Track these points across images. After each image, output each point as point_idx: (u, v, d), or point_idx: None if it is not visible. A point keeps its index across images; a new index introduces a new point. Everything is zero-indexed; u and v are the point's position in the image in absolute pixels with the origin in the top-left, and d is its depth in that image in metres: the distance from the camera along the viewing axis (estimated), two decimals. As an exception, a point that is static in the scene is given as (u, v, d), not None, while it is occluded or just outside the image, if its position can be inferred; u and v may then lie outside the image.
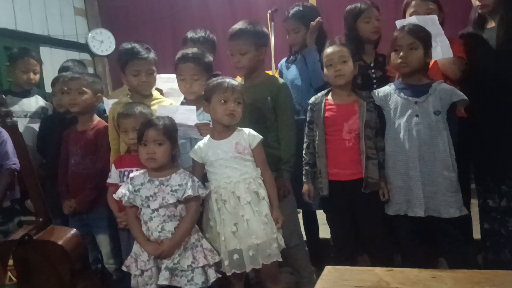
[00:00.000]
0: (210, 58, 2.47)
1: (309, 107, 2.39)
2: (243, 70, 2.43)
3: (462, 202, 2.17)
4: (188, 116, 2.21)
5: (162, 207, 2.01)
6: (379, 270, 1.83)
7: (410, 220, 2.20)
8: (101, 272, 2.60)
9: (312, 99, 2.40)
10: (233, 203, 2.05)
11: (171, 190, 2.01)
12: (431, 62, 2.35)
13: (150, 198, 2.02)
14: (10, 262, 2.02)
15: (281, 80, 2.54)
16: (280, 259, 2.10)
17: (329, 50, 2.28)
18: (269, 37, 2.57)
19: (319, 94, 2.40)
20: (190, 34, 2.95)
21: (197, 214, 2.09)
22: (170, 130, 2.07)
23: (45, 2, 5.24)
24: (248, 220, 2.04)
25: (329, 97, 2.36)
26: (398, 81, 2.32)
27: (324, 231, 2.77)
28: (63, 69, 3.28)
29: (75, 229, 2.25)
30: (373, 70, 2.63)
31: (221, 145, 2.11)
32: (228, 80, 2.12)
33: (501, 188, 2.38)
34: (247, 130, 2.14)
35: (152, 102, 2.46)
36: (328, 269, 1.87)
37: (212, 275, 2.03)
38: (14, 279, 2.02)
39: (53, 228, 2.22)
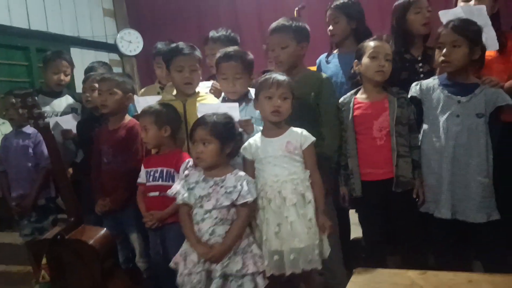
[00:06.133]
0: (251, 56, 2.43)
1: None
2: (283, 64, 2.37)
3: (495, 207, 2.09)
4: (230, 113, 2.15)
5: (216, 209, 1.96)
6: (412, 273, 1.76)
7: (444, 220, 2.14)
8: (132, 271, 2.62)
9: (341, 99, 2.35)
10: (278, 203, 1.99)
11: (226, 192, 1.96)
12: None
13: (204, 198, 1.98)
14: (44, 260, 2.05)
15: (324, 75, 2.45)
16: (320, 267, 2.02)
17: (375, 43, 2.23)
18: (309, 33, 2.47)
19: (348, 94, 2.35)
20: (211, 33, 2.94)
21: (249, 219, 2.02)
22: (220, 129, 1.99)
23: (75, 4, 5.33)
24: (292, 222, 1.96)
25: (358, 95, 2.31)
26: (444, 75, 2.23)
27: (355, 231, 2.72)
28: (88, 70, 3.33)
29: (105, 229, 2.28)
30: (420, 64, 2.54)
31: (272, 142, 2.06)
32: (274, 75, 2.06)
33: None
34: (300, 130, 2.07)
35: (198, 99, 2.46)
36: (359, 270, 1.83)
37: (261, 282, 1.96)
38: (47, 277, 2.05)
39: (84, 227, 2.25)
